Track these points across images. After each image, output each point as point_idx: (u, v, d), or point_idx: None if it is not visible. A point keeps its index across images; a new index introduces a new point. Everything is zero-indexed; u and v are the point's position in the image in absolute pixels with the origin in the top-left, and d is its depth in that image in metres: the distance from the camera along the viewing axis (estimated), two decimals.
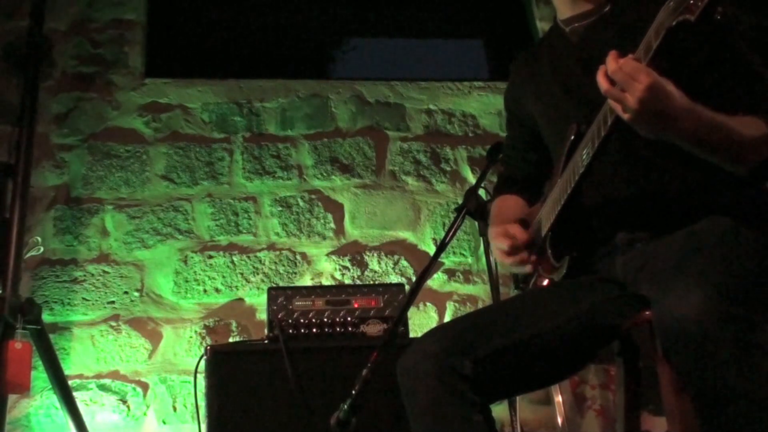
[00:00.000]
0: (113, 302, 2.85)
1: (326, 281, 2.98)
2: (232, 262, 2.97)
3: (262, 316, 2.82)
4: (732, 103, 1.31)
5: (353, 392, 1.35)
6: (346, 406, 1.35)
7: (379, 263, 3.05)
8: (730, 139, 1.28)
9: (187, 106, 3.20)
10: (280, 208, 3.09)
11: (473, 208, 1.67)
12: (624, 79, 1.19)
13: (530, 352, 1.35)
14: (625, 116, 1.22)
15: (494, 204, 1.82)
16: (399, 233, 3.12)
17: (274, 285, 2.85)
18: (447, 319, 2.98)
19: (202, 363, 2.22)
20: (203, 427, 2.16)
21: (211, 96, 3.23)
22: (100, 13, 3.29)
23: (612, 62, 1.22)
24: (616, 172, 1.47)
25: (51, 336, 2.46)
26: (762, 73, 1.38)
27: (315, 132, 3.25)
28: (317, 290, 2.41)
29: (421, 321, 2.95)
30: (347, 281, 2.99)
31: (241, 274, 2.96)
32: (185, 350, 2.81)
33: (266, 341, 2.27)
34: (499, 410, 2.48)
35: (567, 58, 1.61)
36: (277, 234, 3.05)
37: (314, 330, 2.29)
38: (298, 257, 3.02)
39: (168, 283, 2.91)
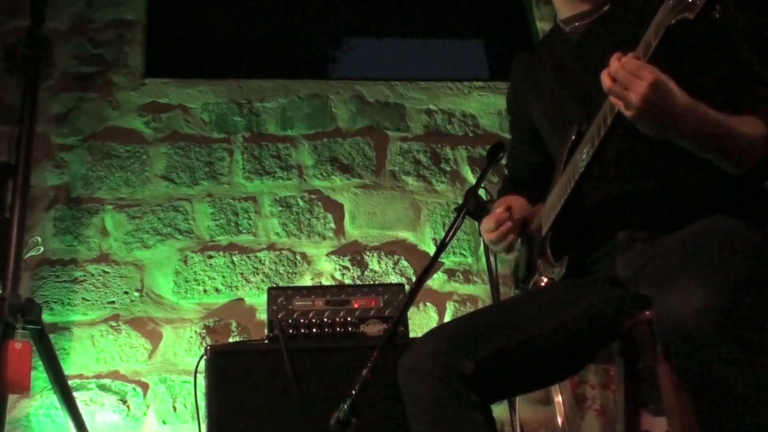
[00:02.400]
0: (113, 302, 2.85)
1: (326, 281, 2.98)
2: (232, 262, 2.97)
3: (262, 316, 2.82)
4: (730, 103, 1.31)
5: (353, 392, 1.35)
6: (346, 406, 1.35)
7: (379, 263, 3.05)
8: (729, 138, 1.28)
9: (187, 106, 3.20)
10: (280, 208, 3.09)
11: (473, 208, 1.67)
12: (626, 76, 1.18)
13: (531, 352, 1.35)
14: (628, 113, 1.21)
15: (495, 205, 1.82)
16: (399, 233, 3.12)
17: (274, 285, 2.85)
18: (447, 319, 2.98)
19: (202, 363, 2.22)
20: (203, 427, 2.16)
21: (211, 96, 3.23)
22: (100, 13, 3.29)
23: (614, 61, 1.21)
24: (615, 172, 1.47)
25: (51, 336, 2.46)
26: (760, 72, 1.38)
27: (315, 132, 3.25)
28: (317, 290, 2.41)
29: (421, 321, 2.95)
30: (347, 281, 2.99)
31: (241, 274, 2.96)
32: (185, 350, 2.81)
33: (266, 341, 2.27)
34: (499, 410, 2.48)
35: (567, 58, 1.61)
36: (277, 234, 3.05)
37: (314, 330, 2.29)
38: (298, 257, 3.02)
39: (168, 283, 2.91)
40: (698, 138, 1.27)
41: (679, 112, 1.21)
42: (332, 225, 3.09)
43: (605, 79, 1.22)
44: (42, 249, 2.79)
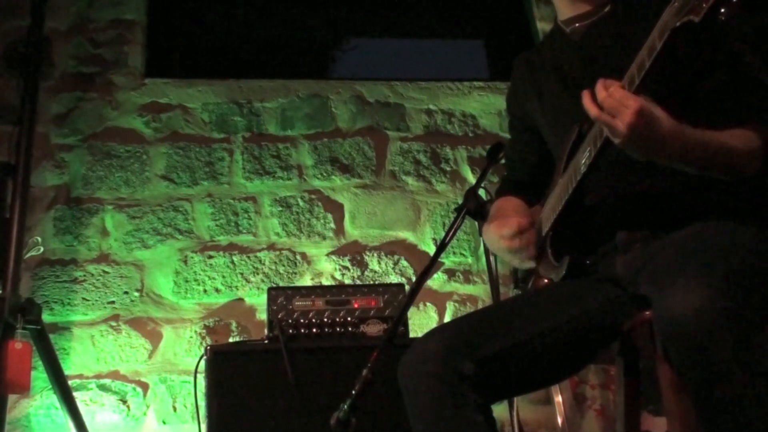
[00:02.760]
0: (113, 302, 2.85)
1: (326, 281, 2.98)
2: (232, 262, 2.97)
3: (262, 316, 2.82)
4: (731, 109, 1.31)
5: (353, 392, 1.35)
6: (346, 406, 1.34)
7: (379, 263, 3.05)
8: (718, 157, 1.30)
9: (187, 106, 3.20)
10: (280, 208, 3.09)
11: (473, 208, 1.67)
12: (613, 105, 1.21)
13: (531, 352, 1.35)
14: (616, 141, 1.24)
15: (494, 205, 1.82)
16: (399, 233, 3.12)
17: (274, 285, 2.85)
18: (447, 319, 2.98)
19: (202, 363, 2.22)
20: (203, 427, 2.16)
21: (211, 96, 3.23)
22: (100, 13, 3.29)
23: (601, 90, 1.24)
24: (616, 172, 1.47)
25: (51, 336, 2.46)
26: (762, 77, 1.38)
27: (315, 132, 3.25)
28: (317, 290, 2.41)
29: (421, 321, 2.95)
30: (347, 281, 2.99)
31: (241, 274, 2.96)
32: (185, 350, 2.81)
33: (266, 341, 2.27)
34: (499, 410, 2.48)
35: (568, 59, 1.61)
36: (277, 234, 3.05)
37: (314, 330, 2.29)
38: (298, 257, 3.02)
39: (168, 283, 2.91)
40: (686, 160, 1.29)
41: (664, 138, 1.23)
42: (332, 225, 3.09)
43: (590, 106, 1.25)
44: (42, 249, 2.79)
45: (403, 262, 3.07)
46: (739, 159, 1.30)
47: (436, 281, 3.04)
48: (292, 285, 2.90)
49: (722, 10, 1.07)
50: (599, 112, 1.23)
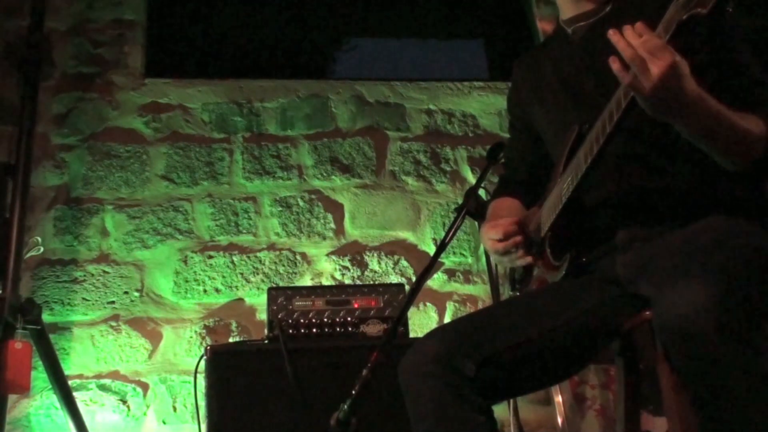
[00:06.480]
0: (113, 302, 2.85)
1: (326, 281, 2.98)
2: (232, 262, 2.97)
3: (262, 316, 2.82)
4: (729, 105, 1.31)
5: (353, 392, 1.35)
6: (346, 406, 1.34)
7: (379, 263, 3.05)
8: (730, 132, 1.27)
9: (187, 106, 3.20)
10: (280, 208, 3.09)
11: (473, 208, 1.67)
12: (646, 54, 1.16)
13: (531, 352, 1.35)
14: (642, 91, 1.18)
15: (491, 205, 1.82)
16: (399, 233, 3.12)
17: (274, 285, 2.85)
18: (447, 319, 2.98)
19: (202, 363, 2.22)
20: (203, 427, 2.16)
21: (211, 96, 3.23)
22: (100, 13, 3.29)
23: (635, 37, 1.19)
24: (616, 172, 1.47)
25: (51, 336, 2.46)
26: (761, 75, 1.38)
27: (315, 132, 3.25)
28: (317, 290, 2.41)
29: (421, 321, 2.95)
30: (347, 281, 2.99)
31: (241, 274, 2.96)
32: (185, 350, 2.81)
33: (266, 341, 2.27)
34: (499, 410, 2.47)
35: (568, 59, 1.61)
36: (277, 234, 3.05)
37: (314, 330, 2.28)
38: (298, 257, 3.02)
39: (168, 283, 2.91)
40: (701, 128, 1.26)
41: (688, 100, 1.20)
42: (332, 225, 3.09)
43: (625, 49, 1.19)
44: (42, 249, 2.79)
45: (403, 262, 3.07)
46: (745, 139, 1.29)
47: (436, 281, 3.04)
48: (292, 285, 2.90)
49: (730, 2, 1.06)
50: (633, 52, 1.17)
